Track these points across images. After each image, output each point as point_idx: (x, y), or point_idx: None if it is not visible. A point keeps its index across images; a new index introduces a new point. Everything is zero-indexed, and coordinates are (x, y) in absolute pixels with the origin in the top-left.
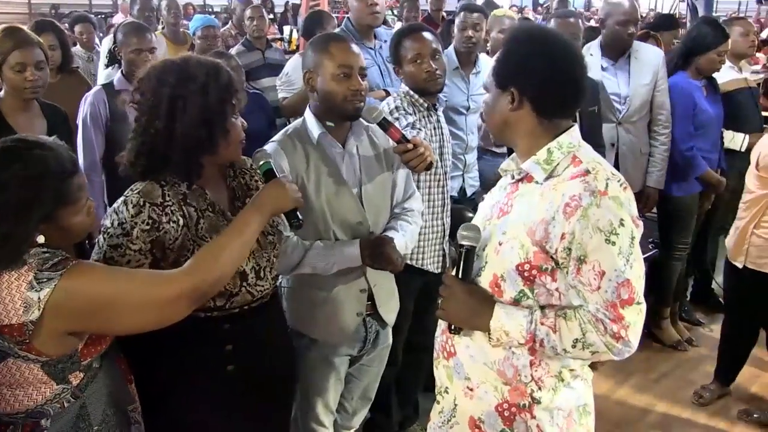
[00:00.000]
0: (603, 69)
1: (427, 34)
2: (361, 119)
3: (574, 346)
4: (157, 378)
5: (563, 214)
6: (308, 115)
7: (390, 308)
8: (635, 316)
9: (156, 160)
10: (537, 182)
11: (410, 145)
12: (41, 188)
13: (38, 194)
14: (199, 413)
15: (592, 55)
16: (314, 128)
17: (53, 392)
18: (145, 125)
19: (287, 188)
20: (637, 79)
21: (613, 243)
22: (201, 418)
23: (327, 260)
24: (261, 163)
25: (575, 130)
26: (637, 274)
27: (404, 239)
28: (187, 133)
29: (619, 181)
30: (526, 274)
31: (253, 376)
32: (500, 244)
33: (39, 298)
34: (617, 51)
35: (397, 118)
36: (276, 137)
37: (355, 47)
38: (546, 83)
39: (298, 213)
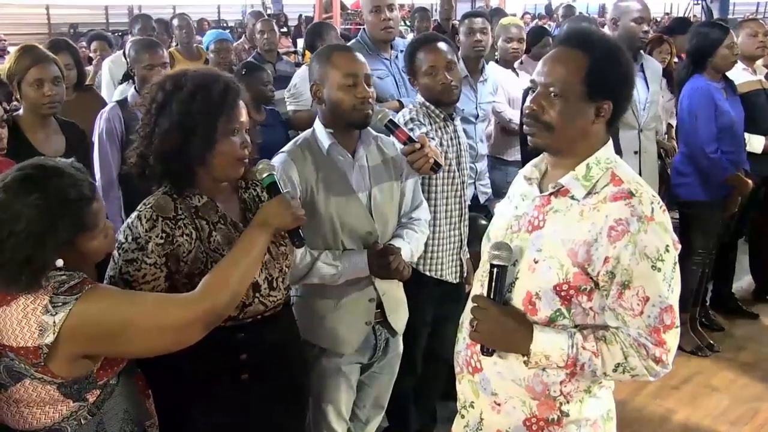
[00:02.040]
0: None
1: (442, 45)
2: (369, 128)
3: (615, 370)
4: (172, 389)
5: (608, 238)
6: (318, 126)
7: (399, 316)
8: (674, 340)
9: (143, 163)
10: (573, 198)
11: (417, 145)
12: (59, 217)
13: (56, 223)
14: (216, 423)
15: None
16: (324, 139)
17: (70, 410)
18: (141, 128)
19: (291, 206)
20: (652, 86)
21: (659, 269)
22: (218, 427)
23: (335, 270)
24: (265, 175)
25: (611, 144)
26: (677, 298)
27: (409, 247)
28: (163, 138)
29: (660, 204)
30: (563, 294)
31: (268, 384)
32: (536, 262)
33: (54, 322)
34: (631, 54)
35: (411, 129)
36: (286, 147)
37: (359, 56)
38: (628, 97)
39: (300, 231)
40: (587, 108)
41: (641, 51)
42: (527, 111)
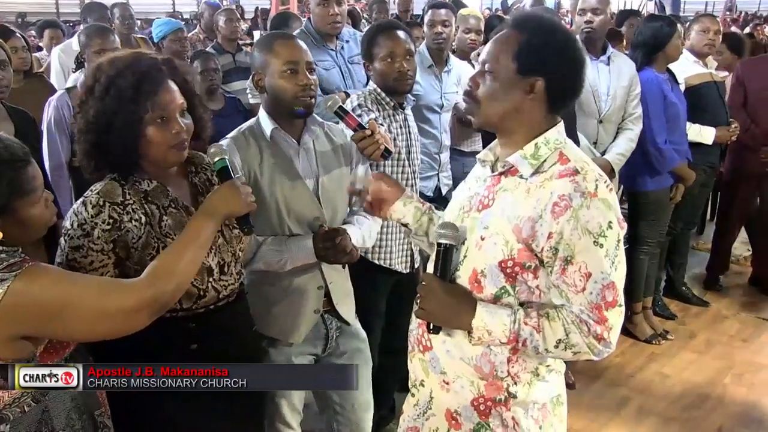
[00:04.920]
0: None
1: (401, 33)
2: (314, 115)
3: (556, 347)
4: None
5: (551, 214)
6: (262, 114)
7: (347, 305)
8: (617, 318)
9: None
10: (522, 177)
11: (368, 132)
12: None
13: None
14: (167, 412)
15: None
16: (267, 125)
17: (12, 396)
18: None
19: (240, 191)
20: (617, 80)
21: (601, 245)
22: (169, 417)
23: (280, 256)
24: (216, 159)
25: (561, 126)
26: (620, 276)
27: (360, 233)
28: (93, 122)
29: (606, 182)
30: (508, 270)
31: None
32: (482, 239)
33: None
34: (592, 46)
35: (360, 115)
36: (230, 134)
37: (300, 43)
38: (569, 77)
39: (249, 218)
40: (519, 84)
41: (608, 45)
42: (465, 89)
